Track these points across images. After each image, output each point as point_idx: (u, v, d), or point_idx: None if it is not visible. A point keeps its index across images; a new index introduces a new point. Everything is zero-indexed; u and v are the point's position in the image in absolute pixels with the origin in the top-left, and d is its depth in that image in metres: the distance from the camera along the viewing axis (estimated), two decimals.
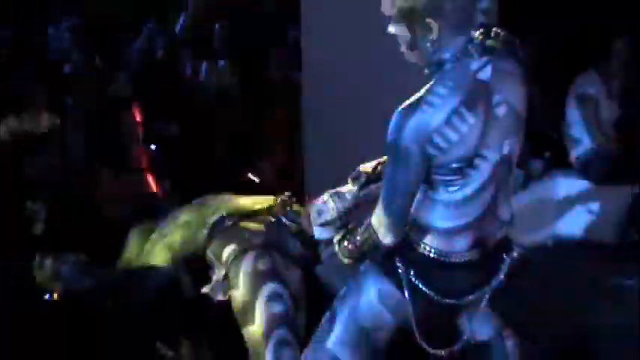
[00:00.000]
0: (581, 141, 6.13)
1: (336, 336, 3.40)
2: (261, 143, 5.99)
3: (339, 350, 3.40)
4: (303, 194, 4.37)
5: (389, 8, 3.21)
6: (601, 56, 6.22)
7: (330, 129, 5.28)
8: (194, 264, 3.91)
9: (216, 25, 7.60)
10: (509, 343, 3.58)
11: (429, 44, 3.18)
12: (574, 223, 5.70)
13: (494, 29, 3.25)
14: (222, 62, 7.20)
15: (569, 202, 5.79)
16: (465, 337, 3.46)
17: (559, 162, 6.08)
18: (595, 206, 5.71)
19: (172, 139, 6.33)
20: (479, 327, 3.49)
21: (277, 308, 3.72)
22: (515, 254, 3.39)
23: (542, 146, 6.04)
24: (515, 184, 5.73)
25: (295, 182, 5.37)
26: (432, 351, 3.38)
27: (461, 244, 3.30)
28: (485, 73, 3.19)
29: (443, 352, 3.41)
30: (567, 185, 5.88)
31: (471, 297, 3.36)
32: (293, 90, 5.96)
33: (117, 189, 5.65)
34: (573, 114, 6.21)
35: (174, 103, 6.47)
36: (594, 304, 4.60)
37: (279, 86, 6.60)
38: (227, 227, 3.88)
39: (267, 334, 3.70)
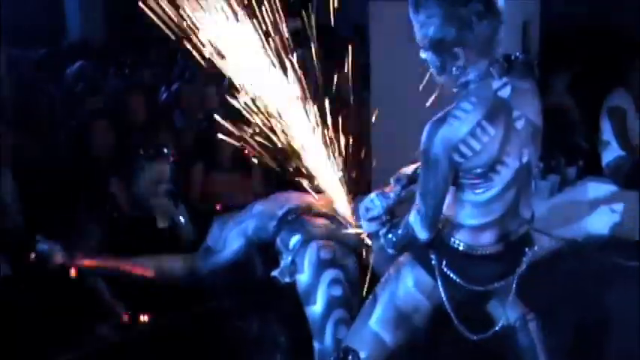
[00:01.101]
0: (611, 149, 6.10)
1: (377, 316, 3.48)
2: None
3: (380, 329, 3.47)
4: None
5: (421, 39, 3.29)
6: (629, 74, 6.17)
7: (393, 137, 5.30)
8: (265, 250, 3.98)
9: None
10: (533, 325, 3.65)
11: (455, 68, 3.25)
12: (602, 222, 5.67)
13: (514, 54, 3.33)
14: None
15: (599, 204, 5.75)
16: (501, 324, 3.53)
17: (591, 169, 6.05)
18: (621, 207, 5.67)
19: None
20: (506, 311, 3.57)
21: (337, 292, 3.78)
22: (535, 248, 3.45)
23: (576, 155, 6.01)
24: (553, 188, 5.73)
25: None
26: (467, 333, 3.44)
27: (487, 239, 3.36)
28: (505, 92, 3.26)
29: (476, 337, 3.46)
30: (597, 189, 5.86)
31: (495, 285, 3.43)
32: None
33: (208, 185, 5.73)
34: (605, 125, 6.19)
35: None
36: (615, 291, 4.59)
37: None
38: (293, 219, 3.95)
39: (327, 314, 3.75)
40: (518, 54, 3.32)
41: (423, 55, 3.32)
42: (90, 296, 4.65)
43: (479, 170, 3.25)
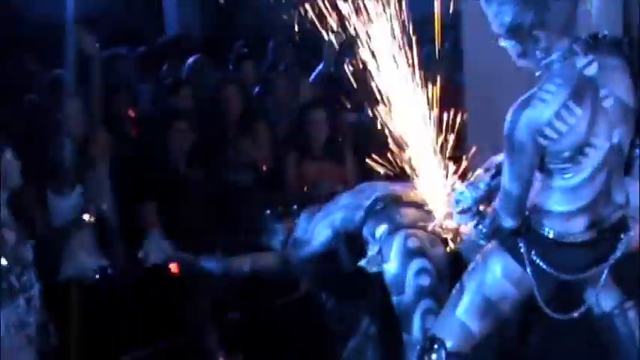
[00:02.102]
0: None
1: (464, 305, 3.46)
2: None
3: (467, 318, 3.45)
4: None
5: (497, 28, 3.23)
6: None
7: (489, 121, 5.21)
8: (352, 240, 3.98)
9: None
10: (632, 314, 3.55)
11: (537, 52, 3.21)
12: None
13: (601, 32, 3.27)
14: None
15: None
16: (586, 306, 3.45)
17: None
18: None
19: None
20: (602, 299, 3.49)
21: (424, 281, 3.78)
22: (632, 233, 3.36)
23: None
24: None
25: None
26: (555, 315, 3.39)
27: (577, 226, 3.31)
28: (591, 70, 3.20)
29: (565, 317, 3.42)
30: None
31: (587, 273, 3.38)
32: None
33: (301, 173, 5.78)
34: None
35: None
36: None
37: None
38: (380, 209, 3.94)
39: (415, 304, 3.75)
40: (605, 32, 3.23)
41: (503, 43, 3.27)
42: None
43: (566, 154, 3.19)
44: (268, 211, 4.54)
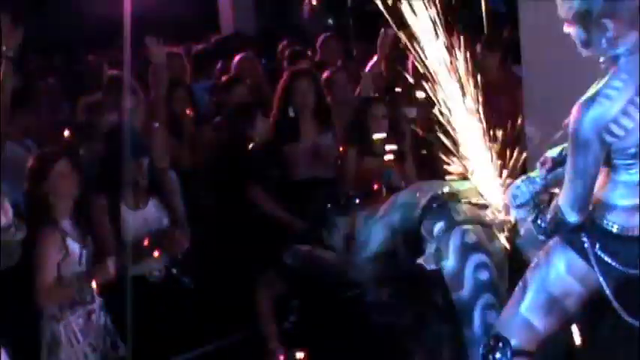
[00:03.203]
0: None
1: (528, 302, 3.45)
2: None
3: (531, 315, 3.45)
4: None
5: (565, 11, 3.22)
6: None
7: (548, 116, 5.19)
8: (410, 239, 4.00)
9: None
10: None
11: (604, 41, 3.17)
12: None
13: None
14: None
15: None
16: None
17: None
18: None
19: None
20: None
21: (483, 276, 3.80)
22: None
23: None
24: None
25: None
26: (630, 319, 3.37)
27: None
28: None
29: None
30: None
31: None
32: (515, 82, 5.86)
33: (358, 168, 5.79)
34: None
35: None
36: None
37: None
38: (437, 207, 3.96)
39: (474, 299, 3.78)
40: None
41: (568, 29, 3.25)
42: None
43: (632, 150, 3.19)
44: (329, 205, 4.53)
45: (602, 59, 3.24)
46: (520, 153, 5.54)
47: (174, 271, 5.28)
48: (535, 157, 5.17)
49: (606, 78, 3.19)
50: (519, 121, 5.58)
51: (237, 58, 6.81)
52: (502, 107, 6.15)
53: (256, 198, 5.58)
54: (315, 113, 5.86)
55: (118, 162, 4.95)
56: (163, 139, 5.67)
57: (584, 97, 3.18)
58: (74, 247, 4.54)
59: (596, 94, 3.16)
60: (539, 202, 3.51)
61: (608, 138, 3.16)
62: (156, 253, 5.01)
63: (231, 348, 5.07)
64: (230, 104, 6.21)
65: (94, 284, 4.57)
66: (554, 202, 3.37)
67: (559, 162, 3.51)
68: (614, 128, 3.14)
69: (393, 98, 6.31)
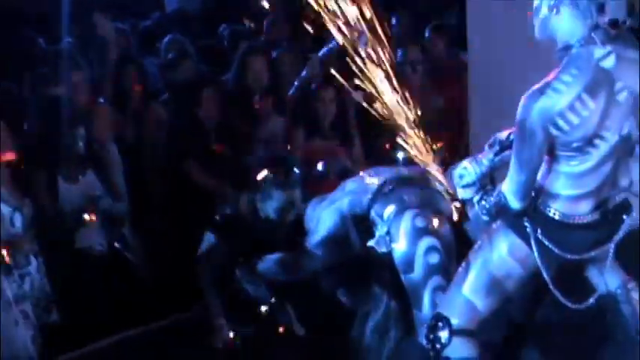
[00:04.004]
0: None
1: (470, 283, 3.55)
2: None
3: (473, 295, 3.54)
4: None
5: None
6: None
7: (492, 102, 5.29)
8: (360, 223, 4.05)
9: None
10: (635, 295, 3.65)
11: (559, 29, 3.27)
12: None
13: (621, 20, 3.29)
14: None
15: None
16: (600, 292, 3.57)
17: None
18: None
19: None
20: (607, 278, 3.60)
21: (433, 259, 3.84)
22: (634, 214, 3.47)
23: None
24: None
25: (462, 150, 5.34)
26: (565, 301, 3.49)
27: (582, 208, 3.40)
28: (609, 62, 3.26)
29: (575, 305, 3.51)
30: None
31: (592, 253, 3.47)
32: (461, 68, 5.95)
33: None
34: None
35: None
36: None
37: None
38: (388, 191, 4.00)
39: (424, 282, 3.82)
40: (625, 19, 3.30)
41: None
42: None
43: (576, 144, 3.27)
44: (270, 174, 4.48)
45: (557, 49, 3.32)
46: (464, 137, 5.66)
47: (117, 245, 5.33)
48: (478, 141, 5.31)
49: (556, 71, 3.26)
50: (464, 106, 5.72)
51: (165, 38, 6.78)
52: (447, 92, 6.30)
53: (190, 170, 5.61)
54: (268, 92, 5.89)
55: (54, 134, 5.05)
56: (105, 113, 5.68)
57: (533, 88, 3.25)
58: (5, 210, 4.54)
59: (546, 86, 3.23)
60: (485, 183, 3.61)
61: (554, 131, 3.24)
62: (87, 217, 5.10)
63: (176, 326, 5.07)
64: (176, 82, 6.22)
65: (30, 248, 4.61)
66: (498, 188, 3.46)
67: (507, 145, 3.59)
68: (560, 122, 3.22)
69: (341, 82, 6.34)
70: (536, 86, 3.26)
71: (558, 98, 3.20)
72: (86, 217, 5.16)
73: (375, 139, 5.71)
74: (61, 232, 5.13)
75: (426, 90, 6.11)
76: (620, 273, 3.63)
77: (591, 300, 3.54)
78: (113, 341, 4.87)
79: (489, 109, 5.27)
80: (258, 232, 4.51)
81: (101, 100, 5.79)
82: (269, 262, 4.29)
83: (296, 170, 4.57)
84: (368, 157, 5.82)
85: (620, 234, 3.45)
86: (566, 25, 3.28)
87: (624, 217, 3.45)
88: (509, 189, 3.38)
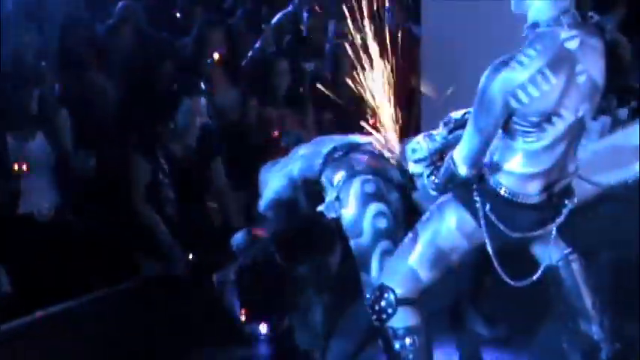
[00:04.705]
0: None
1: (417, 254, 3.60)
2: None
3: (418, 266, 3.59)
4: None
5: None
6: None
7: (445, 76, 5.36)
8: (310, 188, 4.09)
9: None
10: (576, 265, 3.74)
11: (531, 6, 3.35)
12: None
13: (589, 13, 3.44)
14: None
15: None
16: (543, 267, 3.64)
17: None
18: None
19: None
20: (549, 253, 3.68)
21: (382, 224, 3.88)
22: (575, 200, 3.57)
23: (628, 96, 5.99)
24: (604, 128, 5.75)
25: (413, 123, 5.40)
26: (508, 279, 3.56)
27: (532, 188, 3.48)
28: (573, 44, 3.35)
29: (516, 283, 3.57)
30: None
31: (535, 233, 3.56)
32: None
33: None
34: None
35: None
36: None
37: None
38: (339, 157, 4.04)
39: (373, 245, 3.86)
40: (592, 14, 3.40)
41: None
42: None
43: (534, 119, 3.35)
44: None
45: (526, 25, 3.40)
46: (415, 109, 5.73)
47: (63, 210, 5.35)
48: (429, 114, 5.39)
49: (523, 47, 3.34)
50: (415, 80, 5.80)
51: (120, 4, 6.77)
52: (399, 65, 6.34)
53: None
54: (225, 65, 5.92)
55: (6, 91, 5.08)
56: (53, 74, 5.71)
57: (498, 60, 3.33)
58: None
59: (510, 58, 3.31)
60: (436, 159, 3.69)
61: (513, 103, 3.31)
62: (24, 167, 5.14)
63: (120, 294, 5.11)
64: (118, 47, 6.23)
65: None
66: (448, 155, 3.51)
67: (461, 124, 3.66)
68: (521, 94, 3.29)
69: (294, 52, 6.40)
70: (501, 58, 3.33)
71: (521, 70, 3.28)
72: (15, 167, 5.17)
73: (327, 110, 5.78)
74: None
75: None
76: (562, 246, 3.72)
77: (534, 277, 3.61)
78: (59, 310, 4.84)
79: (441, 86, 5.35)
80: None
81: (42, 64, 5.80)
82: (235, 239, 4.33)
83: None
84: (320, 127, 5.88)
85: (562, 217, 3.54)
86: (540, 4, 3.36)
87: (566, 201, 3.54)
88: (459, 154, 3.44)
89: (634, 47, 6.32)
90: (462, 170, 3.44)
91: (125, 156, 5.42)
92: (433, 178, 3.66)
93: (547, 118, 3.35)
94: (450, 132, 3.70)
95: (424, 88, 5.61)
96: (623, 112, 5.95)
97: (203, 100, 5.33)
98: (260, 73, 6.06)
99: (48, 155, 5.29)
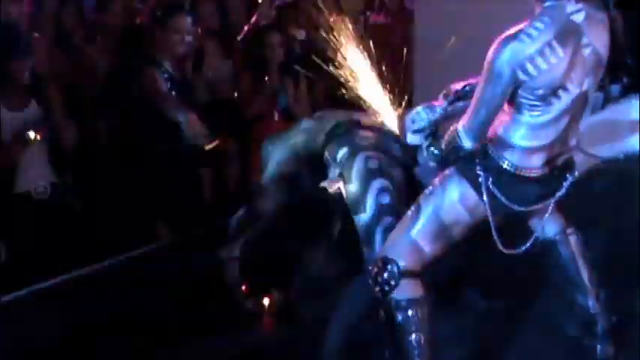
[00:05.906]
0: None
1: (419, 227, 3.65)
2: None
3: (421, 239, 3.65)
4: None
5: None
6: None
7: (438, 54, 5.42)
8: (313, 163, 4.16)
9: None
10: (573, 239, 3.86)
11: None
12: None
13: None
14: None
15: None
16: (535, 236, 3.72)
17: (635, 87, 6.12)
18: None
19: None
20: (546, 226, 3.78)
21: (385, 200, 3.96)
22: (576, 174, 3.65)
23: (620, 72, 6.07)
24: (596, 104, 5.84)
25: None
26: (505, 250, 3.64)
27: (535, 162, 3.55)
28: (579, 17, 3.42)
29: (513, 252, 3.65)
30: None
31: (537, 206, 3.63)
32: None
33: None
34: None
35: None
36: None
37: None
38: (342, 133, 4.12)
39: (376, 222, 3.93)
40: None
41: None
42: None
43: (541, 91, 3.41)
44: None
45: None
46: (409, 84, 5.78)
47: (60, 187, 5.42)
48: (423, 88, 5.45)
49: (531, 19, 3.40)
50: (409, 55, 5.84)
51: None
52: (393, 39, 6.42)
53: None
54: (219, 37, 5.96)
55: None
56: (44, 47, 5.74)
57: (506, 33, 3.39)
58: None
59: (519, 31, 3.37)
60: (436, 130, 3.73)
61: (521, 75, 3.36)
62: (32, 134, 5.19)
63: (111, 270, 5.18)
64: (107, 25, 6.27)
65: None
66: (452, 127, 3.56)
67: (461, 95, 3.72)
68: (529, 66, 3.34)
69: (285, 23, 6.44)
70: (510, 31, 3.39)
71: (530, 43, 3.34)
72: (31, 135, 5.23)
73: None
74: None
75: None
76: (560, 220, 3.82)
77: (527, 245, 3.68)
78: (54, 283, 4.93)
79: (435, 62, 5.41)
80: None
81: (35, 35, 5.83)
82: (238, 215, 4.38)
83: None
84: (314, 100, 5.96)
85: (563, 190, 3.62)
86: None
87: (567, 175, 3.62)
88: (464, 126, 3.49)
89: (626, 23, 6.42)
90: (467, 143, 3.49)
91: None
92: (432, 149, 3.71)
93: (554, 91, 3.41)
94: (450, 103, 3.74)
95: (418, 62, 5.66)
96: (616, 89, 6.06)
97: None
98: (253, 46, 6.11)
99: (40, 124, 5.34)
